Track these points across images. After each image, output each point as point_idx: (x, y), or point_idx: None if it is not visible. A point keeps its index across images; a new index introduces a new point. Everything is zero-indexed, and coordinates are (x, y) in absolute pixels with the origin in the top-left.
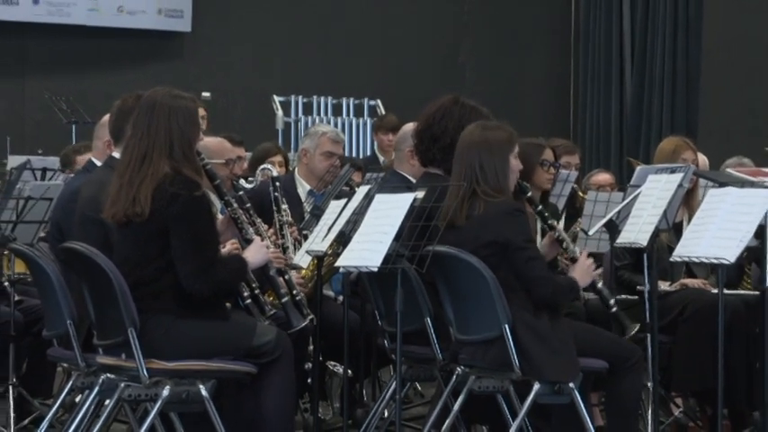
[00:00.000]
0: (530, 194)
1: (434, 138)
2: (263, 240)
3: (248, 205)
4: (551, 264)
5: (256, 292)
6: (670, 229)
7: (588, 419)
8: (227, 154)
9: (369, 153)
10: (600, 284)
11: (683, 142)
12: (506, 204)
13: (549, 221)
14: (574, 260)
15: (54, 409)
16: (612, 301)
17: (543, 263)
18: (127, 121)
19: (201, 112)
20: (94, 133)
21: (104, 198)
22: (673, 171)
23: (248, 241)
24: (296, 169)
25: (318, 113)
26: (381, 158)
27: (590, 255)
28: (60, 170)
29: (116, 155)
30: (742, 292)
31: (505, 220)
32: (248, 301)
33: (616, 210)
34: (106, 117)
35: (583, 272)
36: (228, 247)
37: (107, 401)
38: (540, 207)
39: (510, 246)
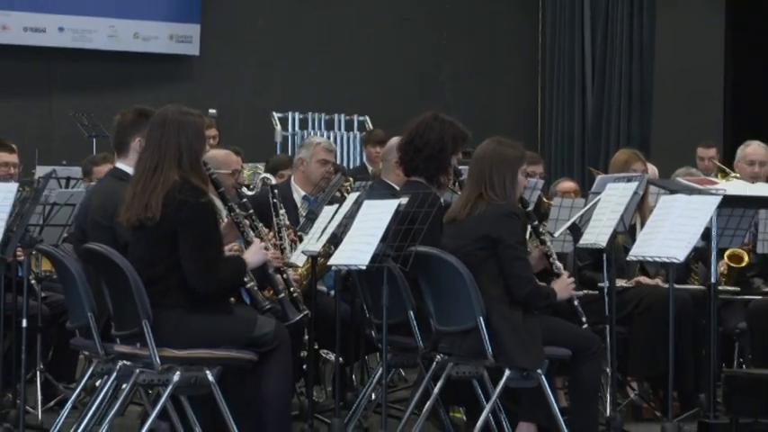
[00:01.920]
0: (529, 209)
1: (417, 149)
2: (262, 242)
3: (251, 211)
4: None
5: (255, 288)
6: (626, 232)
7: (553, 401)
8: (233, 165)
9: (358, 164)
10: (576, 302)
11: (633, 154)
12: (505, 207)
13: (542, 237)
14: (558, 275)
15: (77, 392)
16: (584, 319)
17: (527, 264)
18: (129, 133)
19: (213, 131)
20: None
21: (111, 205)
22: (629, 180)
23: (249, 243)
24: (292, 177)
25: (313, 128)
26: (370, 168)
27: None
28: (82, 179)
29: (120, 166)
30: (690, 287)
31: (502, 220)
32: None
33: (579, 214)
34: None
35: (563, 287)
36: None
37: (124, 386)
38: (537, 222)
39: (501, 242)
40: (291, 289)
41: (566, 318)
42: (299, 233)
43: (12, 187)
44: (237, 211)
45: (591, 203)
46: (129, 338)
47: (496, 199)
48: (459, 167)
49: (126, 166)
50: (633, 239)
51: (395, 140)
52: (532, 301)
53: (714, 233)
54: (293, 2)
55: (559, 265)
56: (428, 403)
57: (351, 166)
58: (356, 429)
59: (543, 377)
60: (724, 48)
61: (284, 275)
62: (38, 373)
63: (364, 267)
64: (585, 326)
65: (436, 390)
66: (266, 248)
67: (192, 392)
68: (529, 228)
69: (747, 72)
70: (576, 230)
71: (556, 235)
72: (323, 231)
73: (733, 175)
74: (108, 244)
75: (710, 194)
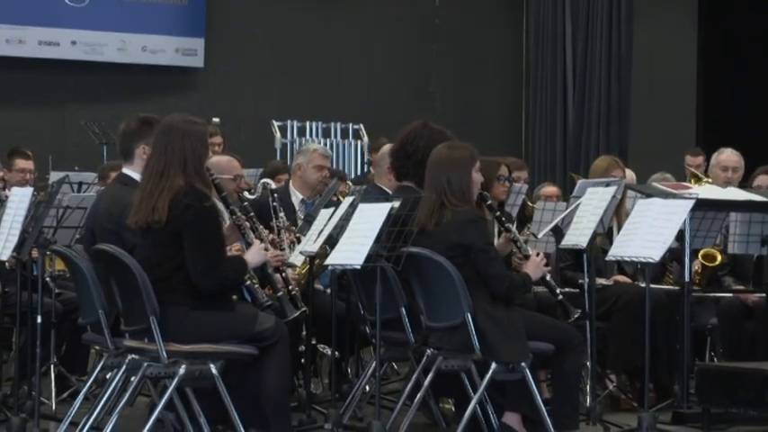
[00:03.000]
0: (489, 202)
1: (408, 156)
2: (262, 243)
3: (251, 213)
4: (506, 261)
5: (256, 286)
6: (605, 233)
7: (537, 393)
8: (235, 170)
9: (353, 169)
10: (548, 277)
11: (613, 161)
12: (470, 213)
13: (506, 225)
14: (527, 257)
15: (88, 384)
16: (558, 291)
17: (501, 262)
18: (133, 141)
19: (218, 138)
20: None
21: (117, 209)
22: (607, 185)
23: (249, 244)
24: (290, 181)
25: (311, 135)
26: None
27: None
28: (95, 183)
29: (126, 171)
30: (665, 286)
31: (469, 227)
32: (255, 286)
33: (561, 217)
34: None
35: (534, 266)
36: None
37: (132, 378)
38: (499, 212)
39: (473, 248)
40: (290, 287)
41: (549, 314)
42: (297, 234)
43: (27, 192)
44: (239, 214)
45: (572, 207)
46: (137, 334)
47: (458, 204)
48: None
49: (131, 171)
50: (611, 241)
51: (387, 147)
52: (512, 294)
53: (687, 235)
54: (292, 17)
55: (526, 247)
56: (419, 395)
57: (347, 171)
58: (351, 419)
59: (527, 370)
60: (697, 61)
61: (283, 275)
62: (52, 366)
63: (359, 267)
64: (560, 297)
65: (426, 382)
66: (266, 249)
67: (196, 385)
68: (491, 217)
69: (719, 83)
70: (558, 232)
71: (540, 236)
72: (320, 233)
73: (706, 180)
74: (115, 245)
75: (684, 198)
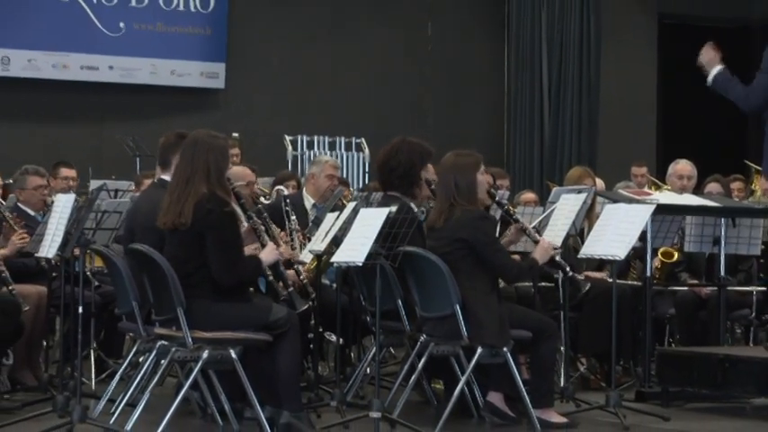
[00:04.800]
0: (498, 199)
1: (391, 169)
2: (276, 244)
3: (265, 215)
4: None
5: (273, 281)
6: (577, 234)
7: (517, 374)
8: (248, 177)
9: (356, 177)
10: (558, 257)
11: (584, 171)
12: (477, 212)
13: (515, 217)
14: (536, 242)
15: (123, 366)
16: (568, 268)
17: (506, 253)
18: (171, 151)
19: (237, 150)
20: None
21: (157, 210)
22: (579, 191)
23: (264, 245)
24: (304, 188)
25: (318, 148)
26: None
27: (517, 254)
28: (130, 190)
29: (164, 177)
30: (629, 282)
31: (476, 224)
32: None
33: (538, 220)
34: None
35: (543, 250)
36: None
37: (162, 361)
38: (507, 206)
39: (480, 243)
40: (302, 278)
41: (528, 306)
42: (307, 235)
43: (70, 198)
44: (255, 218)
45: (548, 211)
46: (166, 323)
47: (466, 204)
48: (430, 179)
49: (168, 177)
50: (582, 241)
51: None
52: (522, 279)
53: (649, 235)
54: (302, 44)
55: (535, 234)
56: (413, 376)
57: (350, 180)
58: (354, 398)
59: (509, 355)
60: (656, 85)
61: (297, 270)
62: (92, 351)
63: (360, 264)
64: (570, 273)
65: (420, 365)
66: (277, 245)
67: (218, 367)
68: (500, 212)
69: (675, 104)
70: None
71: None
72: (326, 234)
73: (665, 187)
74: (155, 243)
75: (646, 204)
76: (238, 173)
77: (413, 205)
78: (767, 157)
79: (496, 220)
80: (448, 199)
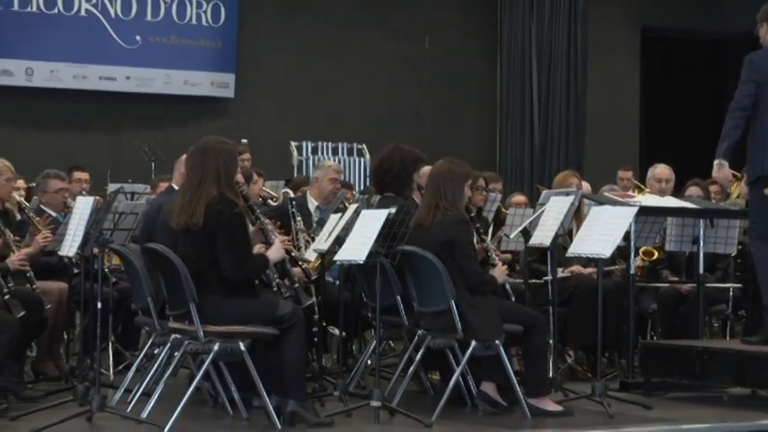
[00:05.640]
0: (473, 215)
1: (385, 172)
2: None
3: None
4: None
5: (276, 280)
6: (565, 234)
7: (509, 366)
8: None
9: (358, 181)
10: (507, 285)
11: (570, 174)
12: (457, 216)
13: (483, 236)
14: (493, 265)
15: (139, 358)
16: (513, 298)
17: (476, 260)
18: None
19: (247, 155)
20: (174, 166)
21: (170, 212)
22: (567, 194)
23: (270, 244)
24: (308, 191)
25: (322, 153)
26: None
27: (509, 252)
28: (146, 193)
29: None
30: (614, 277)
31: (455, 227)
32: (275, 279)
33: (529, 220)
34: (183, 156)
35: (499, 274)
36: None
37: (176, 353)
38: (477, 226)
39: (455, 244)
40: (308, 277)
41: (520, 301)
42: (311, 235)
43: (89, 200)
44: (262, 219)
45: (538, 212)
46: (179, 317)
47: (449, 208)
48: (422, 183)
49: None
50: (570, 240)
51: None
52: (481, 287)
53: (632, 235)
54: (306, 56)
55: (495, 256)
56: (411, 368)
57: (352, 183)
58: (356, 388)
59: (501, 347)
60: (639, 94)
61: (303, 267)
62: (110, 343)
63: (362, 262)
64: (513, 299)
65: (418, 357)
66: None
67: (228, 359)
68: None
69: (657, 112)
70: (526, 233)
71: (511, 237)
72: (329, 234)
73: (647, 190)
74: (169, 242)
75: (630, 206)
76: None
77: (415, 198)
78: (750, 155)
79: (473, 227)
80: (434, 200)
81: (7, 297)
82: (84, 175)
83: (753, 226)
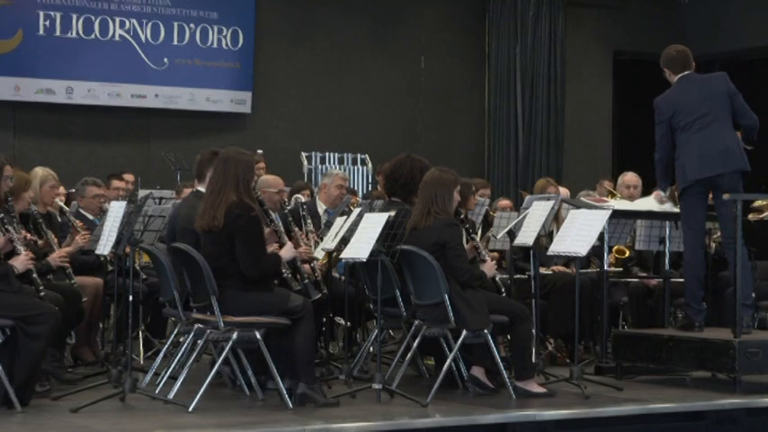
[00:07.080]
0: (462, 217)
1: (395, 179)
2: (297, 245)
3: (290, 219)
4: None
5: (288, 276)
6: (546, 235)
7: (496, 352)
8: (279, 186)
9: (361, 187)
10: (497, 278)
11: (547, 181)
12: (448, 219)
13: (472, 235)
14: (484, 261)
15: (167, 345)
16: (503, 290)
17: (465, 258)
18: (205, 166)
19: (262, 164)
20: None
21: (194, 215)
22: (548, 199)
23: (282, 245)
24: (317, 196)
25: (329, 163)
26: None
27: (496, 251)
28: (172, 198)
29: (199, 188)
30: (590, 270)
31: (446, 229)
32: (287, 275)
33: (513, 222)
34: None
35: (489, 269)
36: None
37: (199, 341)
38: (468, 226)
39: (446, 245)
40: (316, 275)
41: (507, 295)
42: (320, 235)
43: (122, 204)
44: (277, 221)
45: (522, 215)
46: (202, 309)
47: (440, 213)
48: None
49: (203, 188)
50: (551, 240)
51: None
52: (471, 282)
53: (606, 235)
54: (315, 76)
55: (484, 253)
56: (409, 354)
57: (356, 189)
58: (359, 372)
59: (489, 336)
60: (612, 110)
61: (312, 264)
62: (140, 332)
63: (365, 260)
64: (503, 293)
65: (414, 345)
66: (299, 245)
67: (245, 346)
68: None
69: (628, 125)
70: (511, 234)
71: (498, 237)
72: (336, 234)
73: (619, 196)
74: (193, 242)
75: (604, 209)
76: (271, 181)
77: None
78: (678, 172)
79: (462, 227)
80: (426, 205)
81: (43, 294)
82: (122, 184)
83: (687, 230)
